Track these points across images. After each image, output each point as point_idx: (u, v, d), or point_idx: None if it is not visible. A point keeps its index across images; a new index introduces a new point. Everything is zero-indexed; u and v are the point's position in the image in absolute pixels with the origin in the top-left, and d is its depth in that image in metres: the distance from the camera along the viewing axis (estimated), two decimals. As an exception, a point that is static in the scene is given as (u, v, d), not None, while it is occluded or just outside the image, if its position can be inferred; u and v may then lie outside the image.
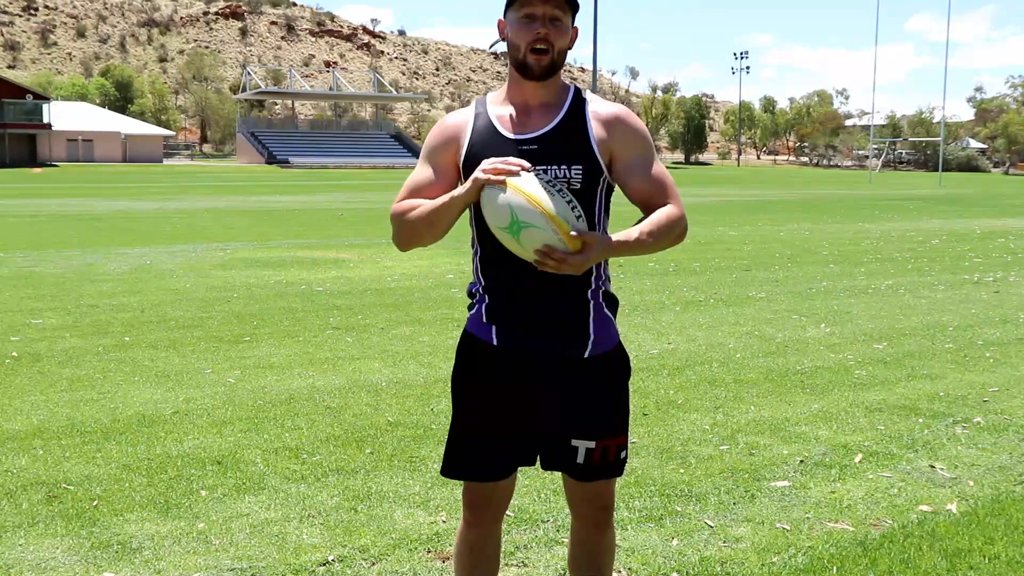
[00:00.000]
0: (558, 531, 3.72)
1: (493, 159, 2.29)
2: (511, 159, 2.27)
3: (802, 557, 3.51)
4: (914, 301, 9.91)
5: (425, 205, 2.39)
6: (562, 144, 2.37)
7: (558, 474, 4.25)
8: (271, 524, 3.80)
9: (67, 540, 3.64)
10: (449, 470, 2.57)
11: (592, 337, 2.44)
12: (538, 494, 4.12)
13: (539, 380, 2.43)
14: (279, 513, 3.92)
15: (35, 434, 4.97)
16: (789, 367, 6.71)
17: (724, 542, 3.65)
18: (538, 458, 2.56)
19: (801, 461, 4.64)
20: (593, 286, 2.45)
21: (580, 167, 2.36)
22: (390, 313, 8.85)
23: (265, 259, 13.32)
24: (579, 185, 2.36)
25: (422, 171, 2.49)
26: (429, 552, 3.56)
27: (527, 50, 2.35)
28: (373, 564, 3.46)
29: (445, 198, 2.36)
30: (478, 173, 2.27)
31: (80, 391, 5.87)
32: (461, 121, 2.48)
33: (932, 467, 4.57)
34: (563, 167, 2.35)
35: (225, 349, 7.17)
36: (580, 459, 2.46)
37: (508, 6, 2.40)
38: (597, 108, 2.44)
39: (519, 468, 2.58)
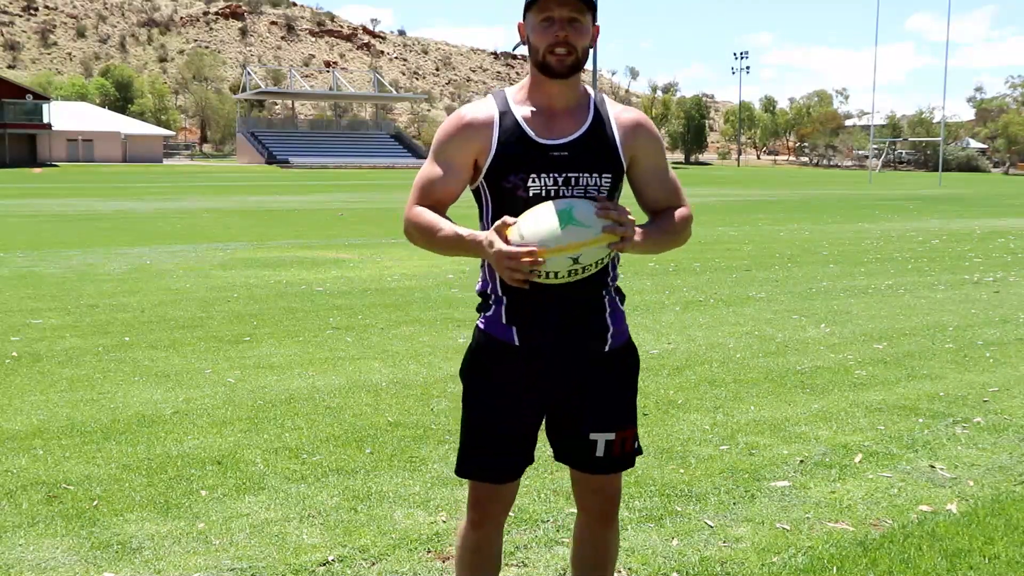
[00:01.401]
0: (558, 531, 3.71)
1: (506, 252, 2.19)
2: (520, 253, 2.18)
3: (802, 557, 3.50)
4: (914, 301, 9.91)
5: (444, 234, 2.35)
6: (592, 151, 2.40)
7: (558, 474, 4.25)
8: (271, 524, 3.80)
9: (67, 540, 3.64)
10: (466, 471, 2.56)
11: (611, 330, 2.49)
12: (538, 494, 4.12)
13: (561, 377, 2.46)
14: (279, 513, 3.92)
15: (35, 434, 4.97)
16: (789, 367, 6.71)
17: (724, 542, 3.65)
18: (539, 453, 2.61)
19: (801, 461, 4.64)
20: (608, 284, 2.49)
21: (609, 175, 2.41)
22: (390, 313, 8.85)
23: (265, 259, 13.31)
24: (605, 192, 2.40)
25: (434, 169, 2.44)
26: (429, 552, 3.56)
27: (547, 51, 2.33)
28: (373, 564, 3.45)
29: (470, 244, 2.30)
30: (510, 264, 2.19)
31: (80, 391, 5.87)
32: (485, 117, 2.42)
33: (932, 467, 4.57)
34: (594, 175, 2.38)
35: (225, 349, 7.16)
36: (600, 452, 2.50)
37: (527, 10, 2.37)
38: (618, 113, 2.48)
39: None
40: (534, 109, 2.42)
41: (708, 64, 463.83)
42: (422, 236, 2.40)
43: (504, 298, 2.45)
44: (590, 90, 2.49)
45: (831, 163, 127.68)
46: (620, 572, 3.39)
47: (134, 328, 7.97)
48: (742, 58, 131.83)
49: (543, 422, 2.57)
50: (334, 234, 17.68)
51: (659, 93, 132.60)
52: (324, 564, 3.44)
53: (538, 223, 2.23)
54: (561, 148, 2.37)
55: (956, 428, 5.23)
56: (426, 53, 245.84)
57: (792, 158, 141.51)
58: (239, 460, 4.59)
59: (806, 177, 73.68)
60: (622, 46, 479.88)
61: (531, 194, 2.36)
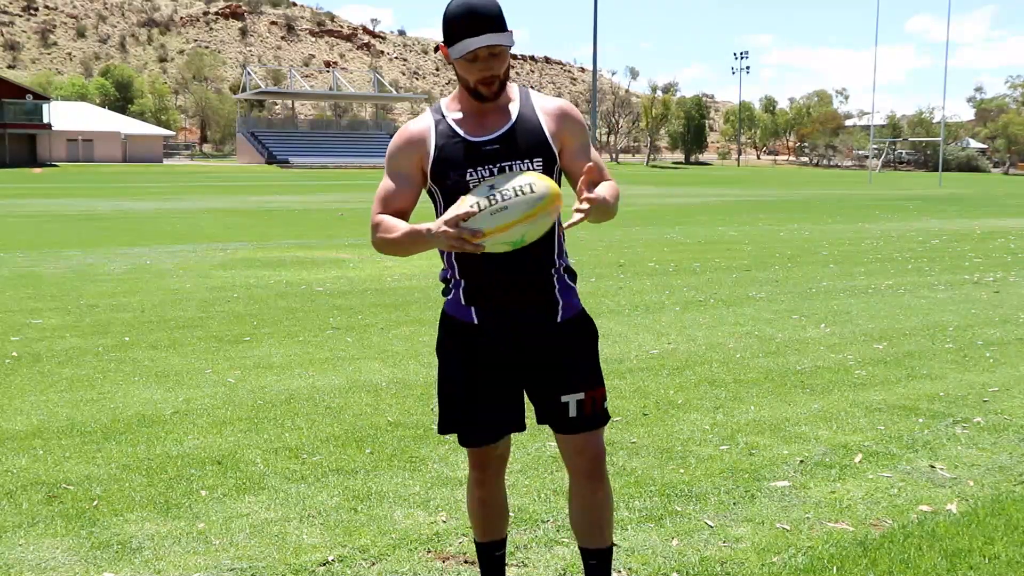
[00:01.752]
0: (558, 531, 3.71)
1: (446, 224, 2.38)
2: (456, 215, 2.37)
3: (802, 557, 3.50)
4: (914, 301, 9.91)
5: (399, 233, 2.56)
6: (520, 141, 2.62)
7: (558, 474, 4.26)
8: (271, 524, 3.80)
9: (67, 540, 3.64)
10: (443, 431, 2.89)
11: (560, 303, 2.72)
12: (538, 494, 4.12)
13: (521, 351, 2.70)
14: (279, 513, 3.92)
15: (35, 434, 4.97)
16: (789, 367, 6.71)
17: (724, 542, 3.65)
18: (530, 418, 2.81)
19: (801, 461, 4.64)
20: (556, 264, 2.72)
21: (540, 159, 2.62)
22: (390, 313, 8.85)
23: (265, 259, 13.32)
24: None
25: (389, 182, 2.69)
26: (429, 552, 3.56)
27: (476, 83, 2.55)
28: (373, 564, 3.45)
29: (418, 234, 2.49)
30: (451, 241, 2.39)
31: (80, 391, 5.87)
32: (422, 128, 2.67)
33: (932, 467, 4.57)
34: (525, 161, 2.60)
35: (225, 349, 7.16)
36: (573, 412, 2.71)
37: (448, 42, 2.52)
38: (544, 104, 2.71)
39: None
40: (466, 112, 2.65)
41: (708, 64, 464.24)
42: (385, 240, 2.61)
43: (462, 281, 2.72)
44: (516, 86, 2.71)
45: (831, 163, 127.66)
46: (620, 572, 3.39)
47: (134, 328, 7.97)
48: (742, 58, 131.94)
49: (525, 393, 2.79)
50: (334, 234, 17.69)
51: (659, 93, 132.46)
52: (324, 564, 3.44)
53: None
54: (492, 142, 2.61)
55: (956, 428, 5.22)
56: (426, 53, 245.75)
57: (792, 158, 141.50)
58: (239, 460, 4.58)
59: (806, 177, 73.68)
60: (622, 46, 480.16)
61: (471, 187, 2.58)
